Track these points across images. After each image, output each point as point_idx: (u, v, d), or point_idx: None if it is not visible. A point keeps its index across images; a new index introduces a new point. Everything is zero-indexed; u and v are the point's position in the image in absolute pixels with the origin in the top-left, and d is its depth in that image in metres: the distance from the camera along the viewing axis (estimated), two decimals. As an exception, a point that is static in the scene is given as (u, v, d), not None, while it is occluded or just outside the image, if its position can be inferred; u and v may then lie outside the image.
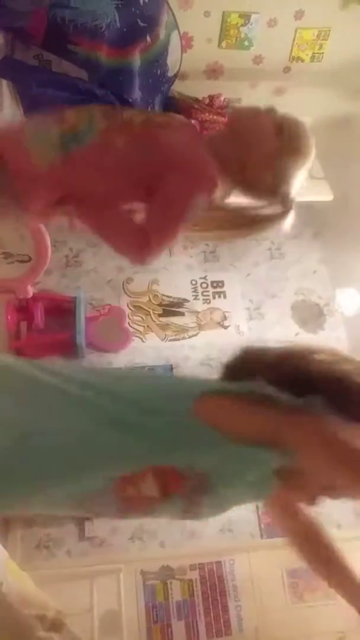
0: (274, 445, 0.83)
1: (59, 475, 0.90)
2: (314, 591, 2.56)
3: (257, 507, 2.70)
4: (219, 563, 2.57)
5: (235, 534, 2.65)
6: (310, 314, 3.24)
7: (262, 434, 0.84)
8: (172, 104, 2.77)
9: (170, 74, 2.61)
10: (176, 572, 2.53)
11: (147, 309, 3.09)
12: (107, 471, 0.90)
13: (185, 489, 0.90)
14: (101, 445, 0.90)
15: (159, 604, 2.47)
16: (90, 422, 0.91)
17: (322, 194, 3.06)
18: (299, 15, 2.65)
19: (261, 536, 2.66)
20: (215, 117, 2.77)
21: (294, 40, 2.75)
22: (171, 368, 2.85)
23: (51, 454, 0.90)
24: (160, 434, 0.88)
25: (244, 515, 2.68)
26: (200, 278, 3.24)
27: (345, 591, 1.03)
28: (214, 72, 2.85)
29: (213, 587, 2.52)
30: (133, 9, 2.24)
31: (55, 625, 1.70)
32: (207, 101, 2.86)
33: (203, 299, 3.17)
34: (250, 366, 0.95)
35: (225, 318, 3.14)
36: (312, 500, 0.94)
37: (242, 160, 1.19)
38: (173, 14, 2.44)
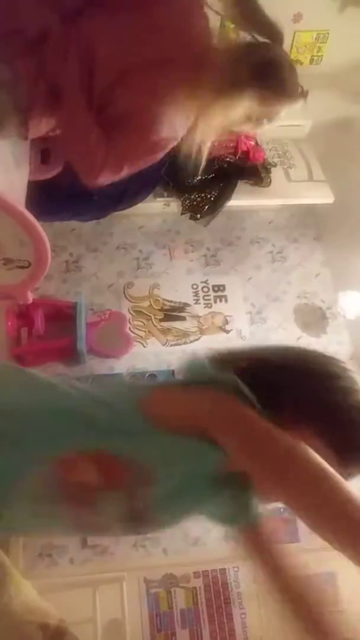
0: (204, 433, 0.80)
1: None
2: (320, 598, 2.53)
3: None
4: (223, 570, 2.54)
5: (239, 541, 2.62)
6: (313, 317, 3.23)
7: (187, 415, 0.83)
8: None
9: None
10: (180, 580, 2.51)
11: (148, 313, 3.07)
12: (42, 446, 0.87)
13: (129, 482, 0.85)
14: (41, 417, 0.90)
15: (163, 612, 2.44)
16: (39, 399, 0.93)
17: (323, 197, 3.06)
18: (297, 18, 2.65)
19: (265, 543, 2.63)
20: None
21: (292, 43, 2.75)
22: (172, 373, 2.83)
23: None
24: (100, 419, 0.87)
25: (248, 521, 2.66)
26: (202, 282, 3.22)
27: None
28: (213, 76, 2.85)
29: (217, 595, 2.49)
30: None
31: (58, 634, 1.68)
32: (206, 105, 2.86)
33: (204, 303, 3.16)
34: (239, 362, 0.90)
35: (227, 322, 3.12)
36: None
37: None
38: (171, 19, 2.44)
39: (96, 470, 0.84)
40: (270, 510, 1.01)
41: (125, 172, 1.32)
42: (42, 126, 1.40)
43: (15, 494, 0.87)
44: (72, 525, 0.95)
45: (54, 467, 0.85)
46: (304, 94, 1.26)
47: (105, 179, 1.33)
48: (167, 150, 1.31)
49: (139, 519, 0.89)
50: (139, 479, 0.85)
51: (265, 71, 1.15)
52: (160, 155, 1.30)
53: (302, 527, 2.68)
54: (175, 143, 1.31)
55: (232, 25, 2.61)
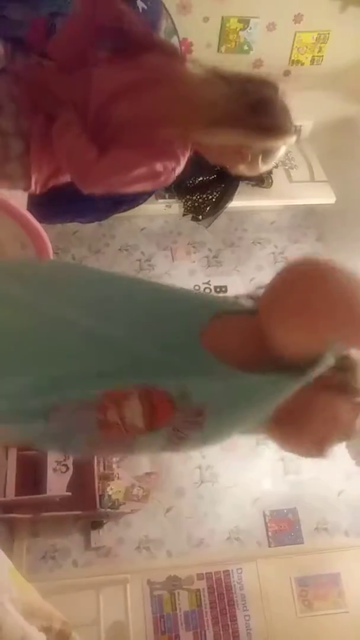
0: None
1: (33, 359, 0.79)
2: (324, 599, 2.52)
3: (265, 516, 2.67)
4: (226, 572, 2.53)
5: (242, 543, 2.62)
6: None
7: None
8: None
9: (170, 79, 2.61)
10: (183, 582, 2.50)
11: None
12: (86, 374, 0.77)
13: (174, 422, 0.76)
14: (84, 345, 0.79)
15: (167, 614, 2.43)
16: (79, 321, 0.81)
17: (325, 197, 3.05)
18: (298, 18, 2.65)
19: (269, 544, 2.62)
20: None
21: (293, 43, 2.75)
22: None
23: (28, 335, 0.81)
24: (153, 352, 0.77)
25: (252, 523, 2.65)
26: (204, 283, 3.22)
27: None
28: (213, 77, 2.85)
29: (221, 597, 2.48)
30: (132, 16, 2.24)
31: (62, 636, 1.68)
32: (207, 106, 2.86)
33: (206, 305, 3.15)
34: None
35: (229, 323, 3.11)
36: None
37: None
38: (172, 20, 2.44)
39: (143, 411, 0.75)
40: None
41: (121, 183, 1.32)
42: (44, 168, 1.41)
43: (52, 414, 0.78)
44: (96, 450, 0.89)
45: (100, 401, 0.76)
46: (297, 131, 1.24)
47: (97, 185, 1.34)
48: (168, 174, 1.30)
49: (168, 449, 0.83)
50: (188, 422, 0.76)
51: (257, 108, 1.15)
52: (157, 177, 1.29)
53: (305, 528, 2.67)
54: (176, 166, 1.31)
55: (232, 25, 2.62)
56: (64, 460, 2.45)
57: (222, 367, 0.75)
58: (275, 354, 0.73)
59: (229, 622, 2.44)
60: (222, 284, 3.22)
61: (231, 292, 3.21)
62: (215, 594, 2.49)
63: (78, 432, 0.80)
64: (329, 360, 0.75)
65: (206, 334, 0.79)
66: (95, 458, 2.51)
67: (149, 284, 1.00)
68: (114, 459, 2.61)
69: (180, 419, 0.76)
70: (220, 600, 2.48)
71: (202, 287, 3.20)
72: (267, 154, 1.24)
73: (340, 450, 3.05)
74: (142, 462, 2.71)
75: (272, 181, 2.98)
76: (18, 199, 1.94)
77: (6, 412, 0.82)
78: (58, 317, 0.82)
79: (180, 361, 0.76)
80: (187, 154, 1.30)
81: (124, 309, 0.84)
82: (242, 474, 2.75)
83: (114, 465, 2.59)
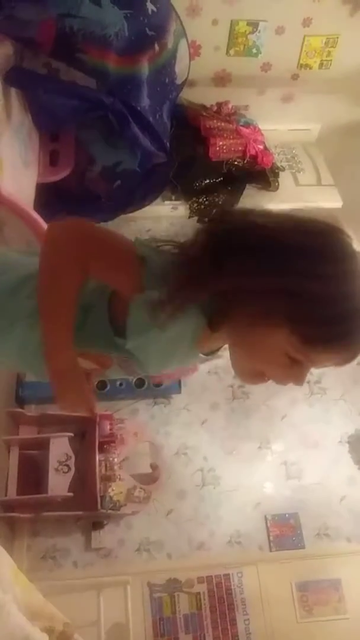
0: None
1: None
2: (325, 605, 2.51)
3: (266, 520, 2.66)
4: (227, 576, 2.52)
5: (243, 546, 2.61)
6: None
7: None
8: (180, 112, 2.77)
9: (178, 81, 2.61)
10: (183, 585, 2.49)
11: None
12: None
13: (116, 361, 0.96)
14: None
15: (166, 617, 2.42)
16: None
17: (332, 201, 3.04)
18: (307, 22, 2.65)
19: (270, 549, 2.61)
20: (223, 124, 2.76)
21: (302, 47, 2.75)
22: (179, 383, 2.81)
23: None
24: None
25: (253, 527, 2.65)
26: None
27: None
28: (222, 79, 2.85)
29: (221, 601, 2.47)
30: (141, 18, 2.24)
31: (64, 638, 1.67)
32: (215, 108, 2.86)
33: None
34: None
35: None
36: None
37: None
38: (181, 23, 2.45)
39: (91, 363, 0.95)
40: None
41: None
42: None
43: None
44: None
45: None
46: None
47: None
48: None
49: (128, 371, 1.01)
50: (122, 359, 0.95)
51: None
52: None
53: (307, 533, 2.66)
54: None
55: (241, 28, 2.62)
56: (66, 460, 2.45)
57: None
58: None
59: (229, 626, 2.43)
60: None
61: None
62: (216, 597, 2.48)
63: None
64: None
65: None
66: (97, 459, 2.50)
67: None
68: (116, 459, 2.61)
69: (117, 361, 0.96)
70: (220, 604, 2.47)
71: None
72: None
73: (343, 456, 3.04)
74: (144, 463, 2.71)
75: (278, 184, 2.97)
76: (25, 198, 1.95)
77: None
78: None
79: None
80: None
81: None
82: (244, 478, 2.74)
83: (116, 467, 2.59)
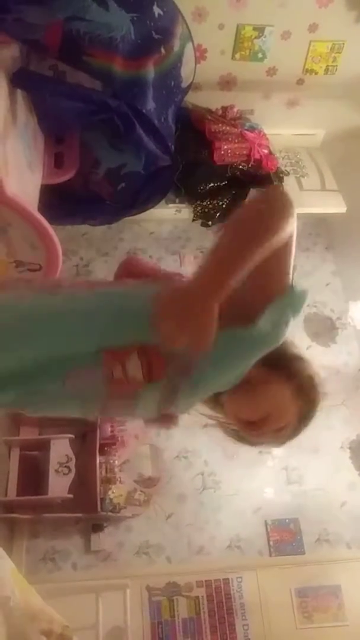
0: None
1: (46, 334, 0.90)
2: (324, 611, 2.49)
3: (266, 525, 2.65)
4: (226, 580, 2.51)
5: (243, 551, 2.60)
6: (323, 327, 3.20)
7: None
8: (186, 115, 2.77)
9: (184, 85, 2.62)
10: (183, 589, 2.48)
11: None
12: (90, 336, 0.88)
13: (168, 374, 0.90)
14: (84, 311, 0.91)
15: (165, 621, 2.41)
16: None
17: (336, 206, 3.04)
18: (313, 28, 2.66)
19: (270, 554, 2.60)
20: (228, 128, 2.77)
21: (307, 52, 2.75)
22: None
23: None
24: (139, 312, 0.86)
25: (253, 532, 2.64)
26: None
27: None
28: (227, 83, 2.86)
29: (220, 605, 2.46)
30: (148, 22, 2.25)
31: (62, 640, 1.66)
32: (220, 112, 2.87)
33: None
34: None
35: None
36: None
37: None
38: (187, 27, 2.46)
39: (142, 366, 0.88)
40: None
41: None
42: None
43: (59, 387, 0.91)
44: (100, 411, 1.02)
45: (105, 358, 0.88)
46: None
47: None
48: None
49: (165, 405, 0.96)
50: (178, 371, 0.89)
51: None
52: None
53: (307, 539, 2.65)
54: None
55: (247, 33, 2.63)
56: (67, 462, 2.45)
57: None
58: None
59: (228, 631, 2.42)
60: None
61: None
62: (214, 602, 2.47)
63: (90, 389, 0.92)
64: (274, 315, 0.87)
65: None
66: (97, 461, 2.50)
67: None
68: (116, 462, 2.61)
69: (172, 369, 0.89)
70: (219, 609, 2.46)
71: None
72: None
73: (344, 462, 3.02)
74: (145, 466, 2.70)
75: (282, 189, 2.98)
76: (29, 200, 1.96)
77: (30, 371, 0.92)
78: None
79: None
80: None
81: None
82: (245, 482, 2.73)
83: (116, 469, 2.59)
